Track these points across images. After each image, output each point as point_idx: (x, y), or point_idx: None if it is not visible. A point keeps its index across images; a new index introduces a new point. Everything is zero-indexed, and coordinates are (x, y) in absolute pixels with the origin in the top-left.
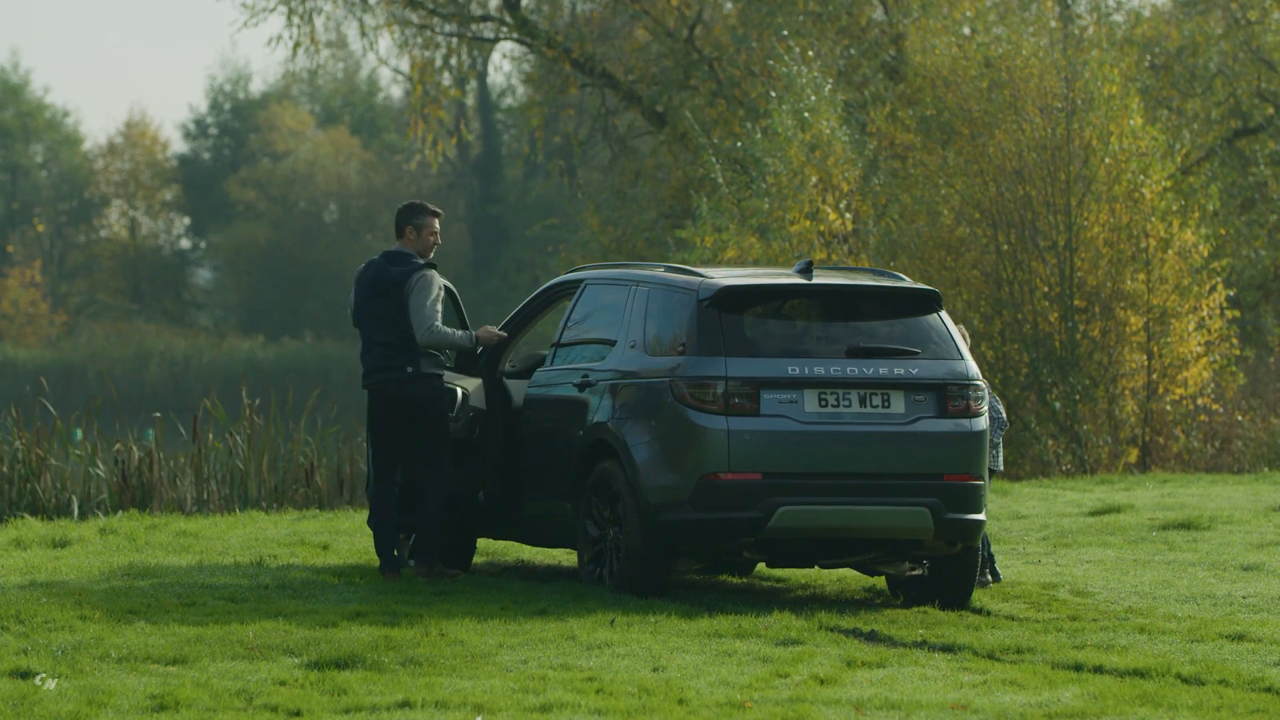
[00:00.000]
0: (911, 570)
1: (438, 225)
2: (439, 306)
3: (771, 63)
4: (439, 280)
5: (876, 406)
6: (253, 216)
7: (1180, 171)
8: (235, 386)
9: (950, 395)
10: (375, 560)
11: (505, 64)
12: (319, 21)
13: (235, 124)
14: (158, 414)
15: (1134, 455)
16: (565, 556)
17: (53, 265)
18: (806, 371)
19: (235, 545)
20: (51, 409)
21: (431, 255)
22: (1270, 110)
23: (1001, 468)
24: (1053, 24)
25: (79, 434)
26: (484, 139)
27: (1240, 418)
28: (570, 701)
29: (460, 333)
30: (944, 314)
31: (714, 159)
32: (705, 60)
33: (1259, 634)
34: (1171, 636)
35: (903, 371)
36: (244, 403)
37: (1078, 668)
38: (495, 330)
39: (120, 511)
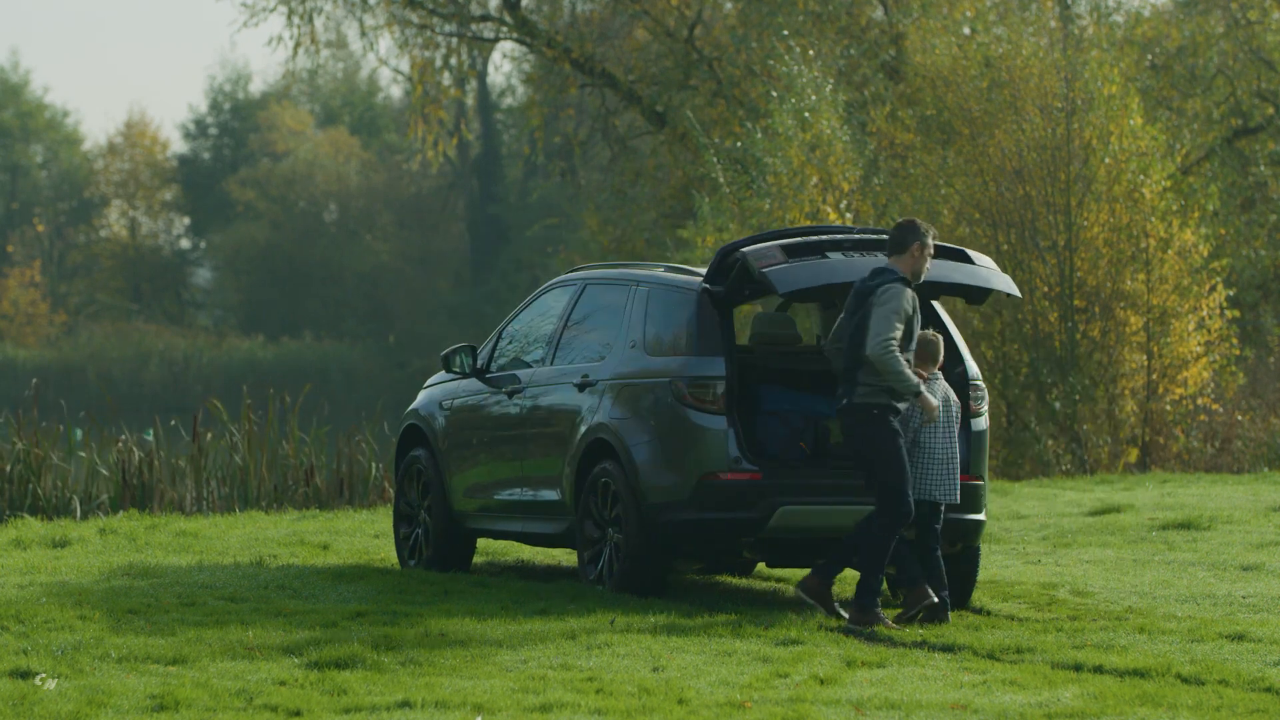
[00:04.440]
0: None
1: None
2: (901, 325)
3: (771, 63)
4: (911, 298)
5: None
6: (252, 216)
7: (1180, 171)
8: (235, 386)
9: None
10: (374, 560)
11: (505, 64)
12: (319, 21)
13: (235, 124)
14: (172, 420)
15: (1134, 455)
16: (565, 556)
17: (52, 265)
18: (826, 237)
19: (235, 545)
20: (64, 406)
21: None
22: (1270, 110)
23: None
24: (1053, 24)
25: (79, 434)
26: (484, 139)
27: (1240, 418)
28: (570, 701)
29: (911, 373)
30: None
31: (714, 159)
32: (705, 60)
33: (1259, 634)
34: (1171, 636)
35: None
36: (245, 403)
37: (1078, 668)
38: (934, 404)
39: (120, 511)
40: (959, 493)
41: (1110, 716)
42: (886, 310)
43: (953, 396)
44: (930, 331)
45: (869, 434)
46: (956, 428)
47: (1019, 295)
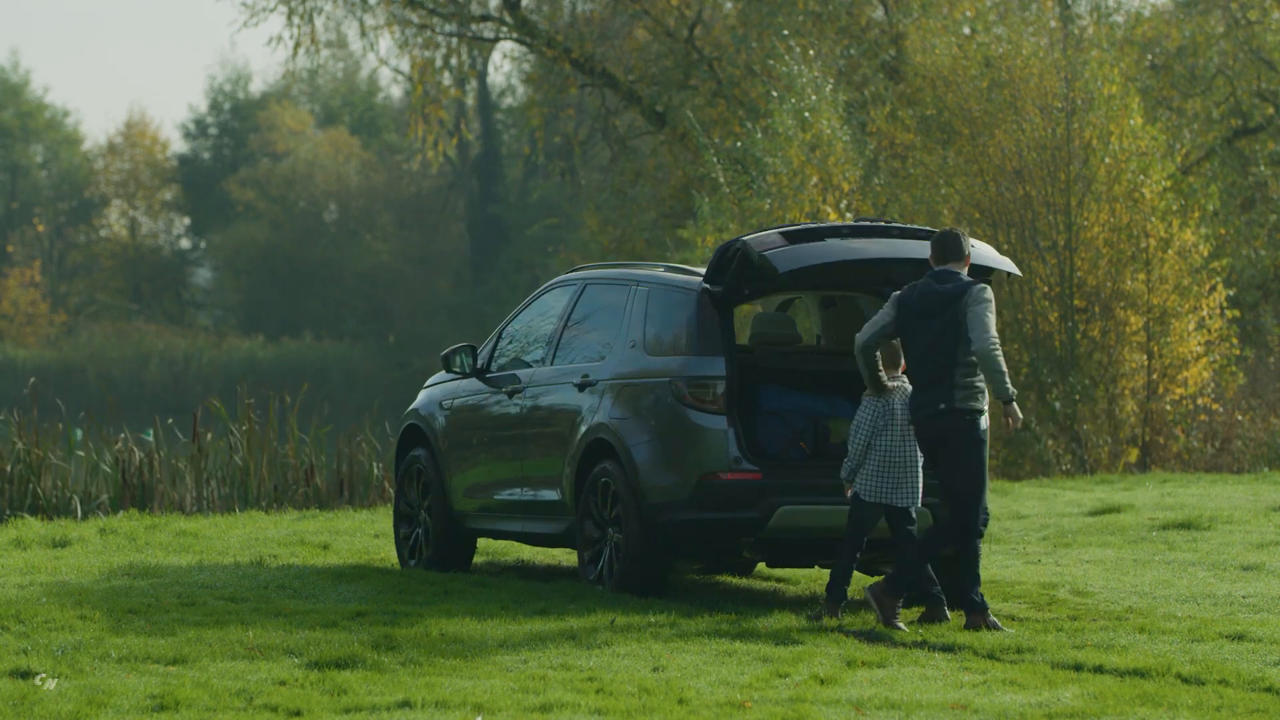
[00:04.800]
0: None
1: None
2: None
3: (771, 63)
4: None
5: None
6: (253, 216)
7: (1180, 171)
8: (235, 387)
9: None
10: (374, 559)
11: (505, 64)
12: (319, 21)
13: (235, 124)
14: (170, 420)
15: (1134, 455)
16: (565, 556)
17: (52, 265)
18: (824, 225)
19: (235, 545)
20: (63, 406)
21: None
22: (1270, 110)
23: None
24: (1053, 24)
25: (79, 434)
26: (484, 139)
27: (1240, 418)
28: (570, 701)
29: (1009, 380)
30: None
31: (714, 159)
32: (705, 60)
33: (1259, 634)
34: (1171, 636)
35: None
36: (244, 402)
37: (1078, 668)
38: (1018, 415)
39: (120, 511)
40: (920, 496)
41: (1110, 716)
42: (984, 310)
43: None
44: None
45: (967, 439)
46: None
47: (1019, 274)
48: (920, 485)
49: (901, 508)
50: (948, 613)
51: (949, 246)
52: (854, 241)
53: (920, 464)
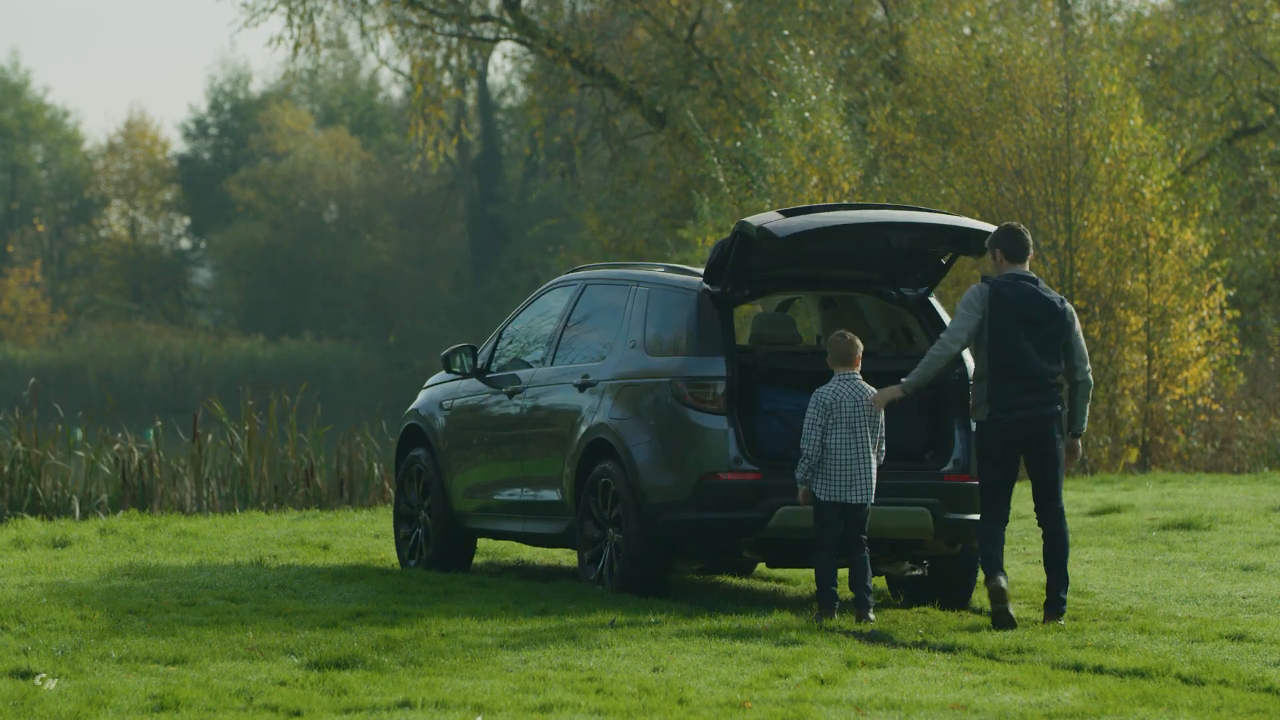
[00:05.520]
0: (911, 570)
1: None
2: None
3: (772, 63)
4: None
5: None
6: (253, 216)
7: (1180, 171)
8: (235, 386)
9: None
10: (374, 560)
11: (505, 64)
12: (319, 21)
13: (235, 124)
14: (159, 421)
15: (1134, 455)
16: (565, 556)
17: (52, 265)
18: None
19: (235, 545)
20: (63, 407)
21: None
22: (1270, 110)
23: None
24: (1053, 24)
25: (79, 434)
26: (484, 139)
27: (1240, 418)
28: (570, 701)
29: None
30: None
31: (714, 159)
32: (705, 60)
33: (1259, 634)
34: (1171, 636)
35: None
36: (244, 402)
37: (1078, 668)
38: (1079, 451)
39: (120, 511)
40: (873, 493)
41: (1110, 716)
42: (1081, 333)
43: (868, 396)
44: (847, 332)
45: (1061, 436)
46: (872, 430)
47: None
48: (873, 481)
49: (857, 504)
50: (835, 612)
51: (1023, 245)
52: (851, 211)
53: (873, 460)
